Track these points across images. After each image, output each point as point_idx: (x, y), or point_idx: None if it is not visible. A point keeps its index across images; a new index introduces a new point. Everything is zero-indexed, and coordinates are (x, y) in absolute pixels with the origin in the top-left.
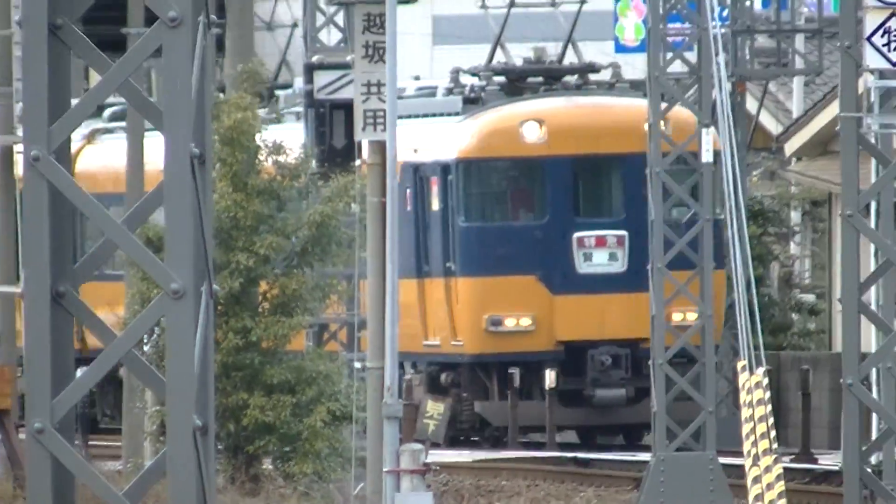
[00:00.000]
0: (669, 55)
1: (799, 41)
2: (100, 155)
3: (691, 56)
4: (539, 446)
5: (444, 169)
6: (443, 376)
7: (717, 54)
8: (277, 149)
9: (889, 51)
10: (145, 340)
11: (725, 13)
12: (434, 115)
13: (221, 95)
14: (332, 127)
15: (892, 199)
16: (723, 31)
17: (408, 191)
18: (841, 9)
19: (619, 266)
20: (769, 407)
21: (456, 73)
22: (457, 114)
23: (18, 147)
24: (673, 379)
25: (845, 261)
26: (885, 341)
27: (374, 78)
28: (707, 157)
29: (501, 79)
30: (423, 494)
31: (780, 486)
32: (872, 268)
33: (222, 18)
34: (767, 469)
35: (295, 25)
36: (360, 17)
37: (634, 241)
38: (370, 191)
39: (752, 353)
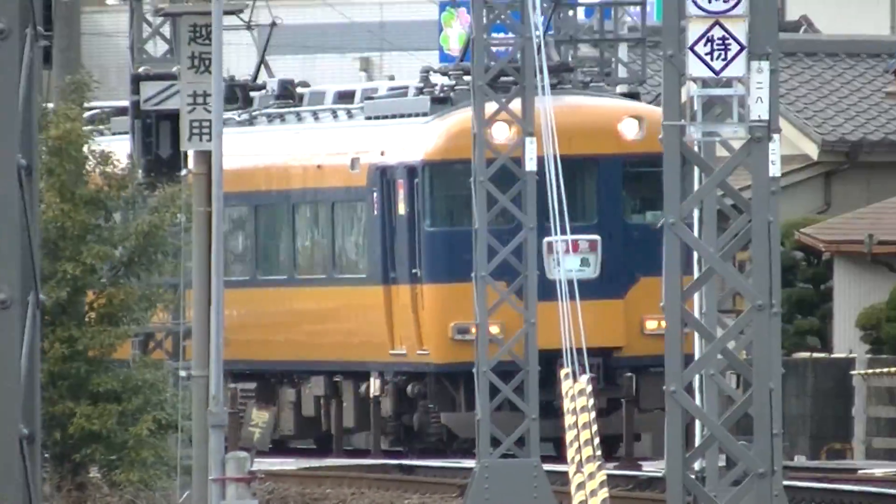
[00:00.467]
0: (493, 64)
1: (622, 50)
2: None
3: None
4: (364, 453)
5: (411, 171)
6: (409, 387)
7: (541, 63)
8: (105, 159)
9: (712, 59)
10: None
11: (549, 23)
12: (402, 115)
13: (49, 106)
14: (159, 137)
15: (715, 207)
16: (547, 40)
17: (374, 194)
18: (664, 18)
19: (592, 272)
20: (593, 414)
21: (426, 72)
22: (425, 114)
23: None
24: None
25: (668, 269)
26: (708, 349)
27: (199, 88)
28: (531, 165)
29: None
30: (248, 502)
31: (604, 492)
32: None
33: (49, 30)
34: (591, 476)
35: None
36: (185, 28)
37: (608, 246)
38: (196, 200)
39: (575, 360)
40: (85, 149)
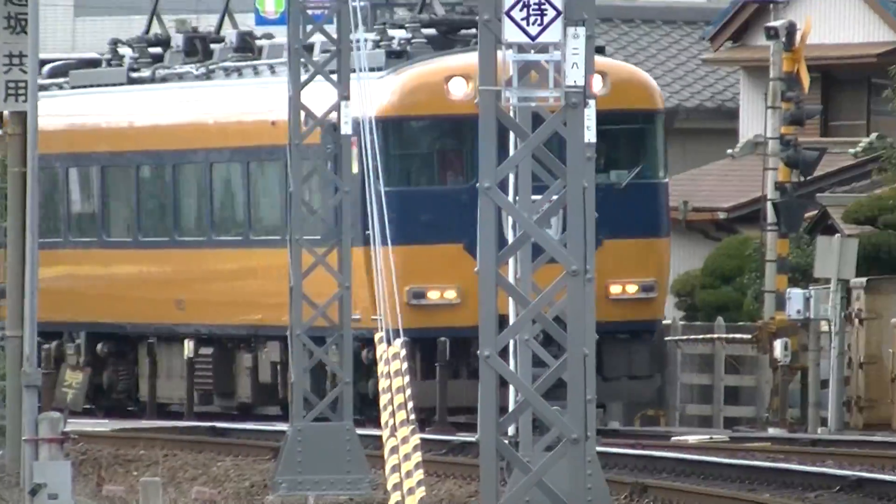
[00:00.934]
0: (310, 27)
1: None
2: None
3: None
4: (177, 416)
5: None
6: (364, 352)
7: (356, 28)
8: None
9: (528, 25)
10: None
11: None
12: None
13: None
14: None
15: (530, 172)
16: (363, 4)
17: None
18: None
19: (553, 234)
20: (407, 378)
21: (383, 25)
22: (379, 69)
23: None
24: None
25: (483, 233)
26: (523, 313)
27: (16, 49)
28: (346, 129)
29: (431, 31)
30: (61, 463)
31: (417, 456)
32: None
33: None
34: (405, 440)
35: None
36: None
37: None
38: (11, 161)
39: (389, 325)
40: None
